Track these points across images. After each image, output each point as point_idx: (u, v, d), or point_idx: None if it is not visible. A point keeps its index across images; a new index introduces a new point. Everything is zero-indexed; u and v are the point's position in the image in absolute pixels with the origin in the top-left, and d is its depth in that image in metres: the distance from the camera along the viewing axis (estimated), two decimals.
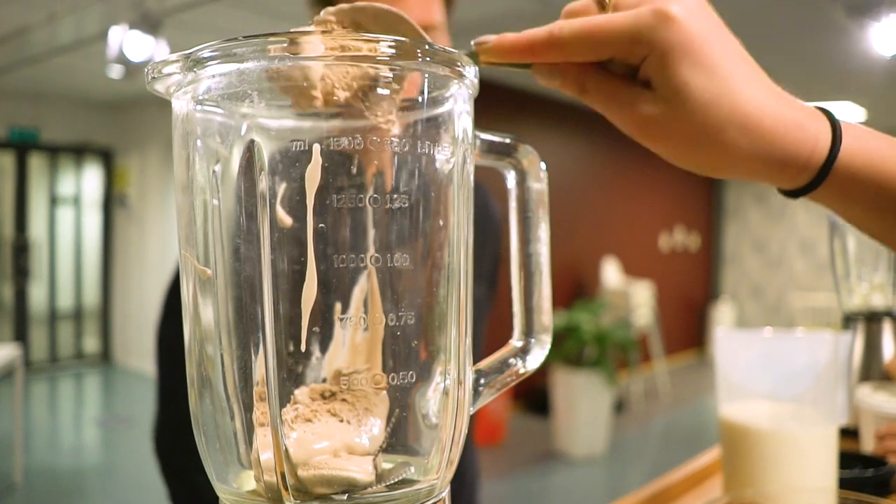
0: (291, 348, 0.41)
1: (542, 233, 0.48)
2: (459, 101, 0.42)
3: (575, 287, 7.15)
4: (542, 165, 0.48)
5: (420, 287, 0.40)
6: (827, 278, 8.58)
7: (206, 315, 0.39)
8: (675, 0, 0.43)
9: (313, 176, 0.35)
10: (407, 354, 0.41)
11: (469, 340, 0.45)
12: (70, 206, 8.12)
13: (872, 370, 1.52)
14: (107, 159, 8.17)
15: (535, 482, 4.81)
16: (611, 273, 7.34)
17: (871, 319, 1.56)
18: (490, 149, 0.46)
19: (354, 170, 0.36)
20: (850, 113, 7.32)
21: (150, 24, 3.92)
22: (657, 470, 5.06)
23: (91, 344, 8.23)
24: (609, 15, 0.44)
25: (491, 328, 1.33)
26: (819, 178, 0.45)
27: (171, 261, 7.34)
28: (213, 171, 0.37)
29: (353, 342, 0.42)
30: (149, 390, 7.01)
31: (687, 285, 9.29)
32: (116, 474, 4.68)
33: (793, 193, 0.47)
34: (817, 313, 8.41)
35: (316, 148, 0.35)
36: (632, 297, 7.00)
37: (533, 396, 6.22)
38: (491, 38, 0.46)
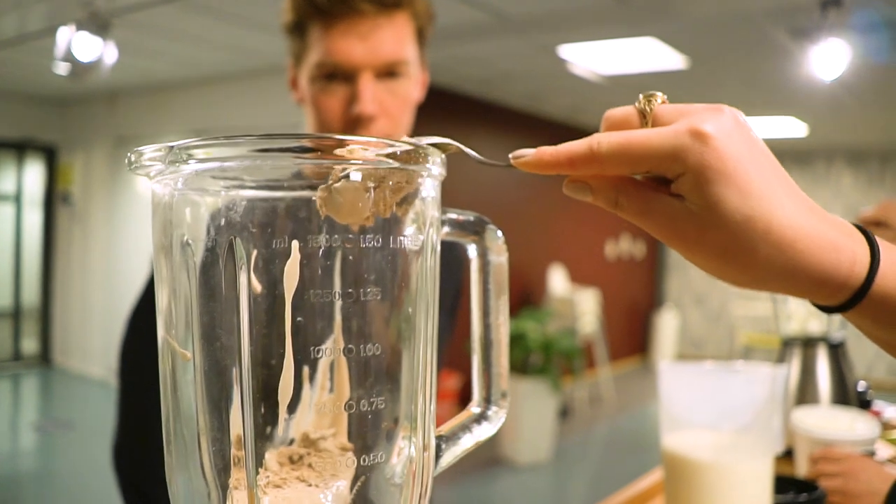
0: (262, 419, 0.43)
1: (502, 304, 0.50)
2: (428, 188, 0.44)
3: (522, 295, 7.22)
4: (501, 239, 0.51)
5: (390, 371, 0.42)
6: None
7: (183, 393, 0.41)
8: (711, 118, 0.44)
9: (292, 272, 0.37)
10: (374, 426, 0.43)
11: (434, 406, 0.47)
12: (10, 203, 7.93)
13: (808, 394, 1.59)
14: (50, 156, 7.99)
15: (480, 489, 4.85)
16: (557, 281, 7.43)
17: (808, 345, 1.63)
18: (453, 225, 0.48)
19: (329, 264, 0.38)
20: (792, 128, 7.54)
21: (98, 24, 3.85)
22: (601, 476, 5.14)
23: (30, 345, 8.04)
24: (647, 132, 0.45)
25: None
26: (854, 300, 0.46)
27: (115, 261, 7.21)
28: (193, 261, 0.39)
29: (320, 410, 0.44)
30: (89, 394, 6.88)
31: (632, 292, 9.45)
32: (55, 481, 4.58)
33: (828, 310, 0.47)
34: (757, 322, 8.64)
35: (295, 244, 0.37)
36: (578, 304, 7.10)
37: None
38: (528, 152, 0.47)
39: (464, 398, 5.63)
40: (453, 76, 5.88)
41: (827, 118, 7.00)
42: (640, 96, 0.47)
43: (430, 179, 0.44)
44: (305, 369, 0.43)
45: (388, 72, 1.11)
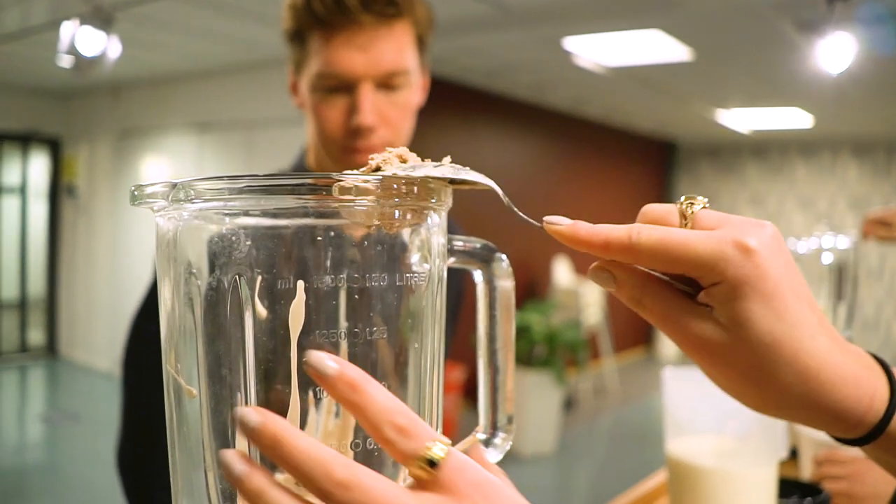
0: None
1: (508, 329, 0.50)
2: (434, 217, 0.44)
3: (526, 287, 7.21)
4: (507, 264, 0.50)
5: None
6: None
7: (190, 427, 0.41)
8: (755, 232, 0.43)
9: (297, 312, 0.37)
10: (379, 461, 0.43)
11: (440, 430, 0.47)
12: (15, 195, 7.95)
13: None
14: (54, 149, 8.00)
15: None
16: (562, 272, 7.42)
17: None
18: (459, 254, 0.48)
19: (335, 304, 0.38)
20: (798, 119, 7.52)
21: (102, 18, 3.85)
22: (606, 467, 5.15)
23: (36, 336, 8.06)
24: (689, 234, 0.43)
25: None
26: (871, 435, 0.45)
27: (120, 253, 7.22)
28: (198, 290, 0.39)
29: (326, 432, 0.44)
30: (95, 385, 6.90)
31: None
32: (61, 473, 4.60)
33: (846, 442, 0.47)
34: None
35: (300, 285, 0.37)
36: (582, 296, 7.10)
37: None
38: (564, 222, 0.45)
39: (468, 390, 5.64)
40: (458, 67, 5.86)
41: (832, 109, 6.98)
42: (682, 198, 0.46)
43: (436, 211, 0.43)
44: (311, 398, 0.43)
45: (388, 82, 1.11)
